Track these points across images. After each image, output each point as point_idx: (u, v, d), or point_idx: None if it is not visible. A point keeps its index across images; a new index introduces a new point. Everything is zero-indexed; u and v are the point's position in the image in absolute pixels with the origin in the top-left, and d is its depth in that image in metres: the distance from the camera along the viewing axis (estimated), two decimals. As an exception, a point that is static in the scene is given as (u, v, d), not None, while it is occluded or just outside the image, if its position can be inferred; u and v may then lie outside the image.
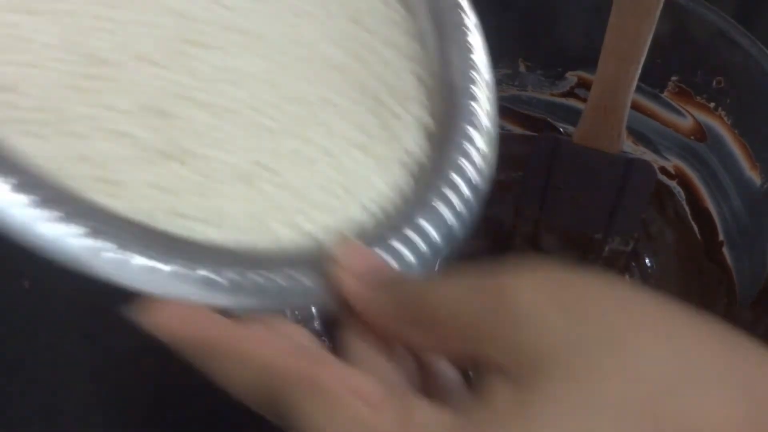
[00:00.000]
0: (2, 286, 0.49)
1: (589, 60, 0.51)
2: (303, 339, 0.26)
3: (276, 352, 0.25)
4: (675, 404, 0.20)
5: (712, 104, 0.51)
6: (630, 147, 0.53)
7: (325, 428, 0.23)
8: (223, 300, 0.27)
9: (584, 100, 0.54)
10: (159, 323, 0.28)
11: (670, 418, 0.19)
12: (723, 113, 0.51)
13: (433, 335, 0.24)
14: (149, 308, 0.28)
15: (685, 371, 0.20)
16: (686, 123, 0.53)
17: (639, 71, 0.48)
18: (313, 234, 0.29)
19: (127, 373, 0.47)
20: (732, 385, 0.20)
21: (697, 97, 0.52)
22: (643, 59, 0.47)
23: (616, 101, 0.49)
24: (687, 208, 0.51)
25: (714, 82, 0.51)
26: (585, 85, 0.54)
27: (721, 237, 0.50)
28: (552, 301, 0.21)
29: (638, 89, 0.50)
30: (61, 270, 0.50)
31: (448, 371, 0.27)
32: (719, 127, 0.51)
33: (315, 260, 0.27)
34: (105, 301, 0.49)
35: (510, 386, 0.21)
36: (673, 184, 0.52)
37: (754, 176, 0.50)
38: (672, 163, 0.53)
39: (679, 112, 0.53)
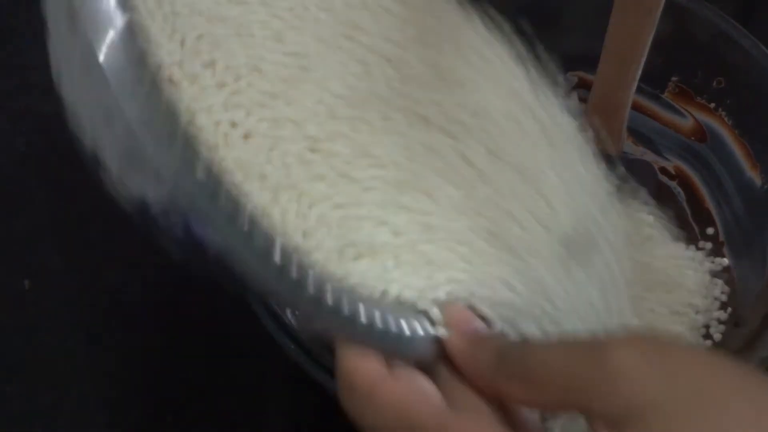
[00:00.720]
0: (2, 286, 0.49)
1: (589, 60, 0.51)
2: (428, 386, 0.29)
3: (415, 399, 0.27)
4: None
5: (712, 104, 0.51)
6: (630, 147, 0.53)
7: None
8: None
9: (584, 100, 0.54)
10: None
11: None
12: (723, 113, 0.51)
13: (533, 389, 0.27)
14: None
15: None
16: (687, 123, 0.53)
17: (639, 71, 0.48)
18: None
19: (127, 373, 0.47)
20: None
21: (698, 98, 0.52)
22: (643, 60, 0.47)
23: (617, 101, 0.49)
24: (687, 209, 0.51)
25: (714, 83, 0.51)
26: (585, 85, 0.54)
27: (721, 237, 0.50)
28: (649, 363, 0.25)
29: (638, 89, 0.50)
30: (61, 270, 0.50)
31: (529, 414, 0.29)
32: (719, 127, 0.51)
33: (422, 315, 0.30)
34: (105, 302, 0.50)
35: None
36: (673, 184, 0.52)
37: (754, 176, 0.50)
38: (672, 163, 0.53)
39: (679, 113, 0.53)
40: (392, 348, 0.28)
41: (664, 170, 0.53)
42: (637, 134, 0.53)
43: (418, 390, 0.28)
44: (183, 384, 0.47)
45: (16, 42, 0.59)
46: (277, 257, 0.25)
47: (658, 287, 0.47)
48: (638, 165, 0.52)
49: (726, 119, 0.51)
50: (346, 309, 0.27)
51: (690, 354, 0.26)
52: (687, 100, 0.53)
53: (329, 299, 0.27)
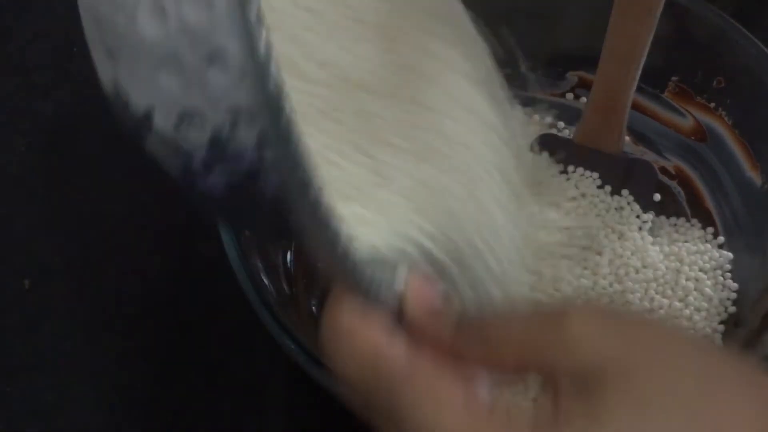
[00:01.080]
0: (2, 286, 0.49)
1: (589, 60, 0.51)
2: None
3: (386, 351, 0.28)
4: (708, 403, 0.25)
5: (712, 104, 0.51)
6: (630, 147, 0.53)
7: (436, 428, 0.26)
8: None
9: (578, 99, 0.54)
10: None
11: (705, 414, 0.25)
12: (723, 113, 0.51)
13: (491, 351, 0.28)
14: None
15: (712, 381, 0.25)
16: (687, 123, 0.53)
17: (639, 71, 0.48)
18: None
19: (127, 373, 0.47)
20: (750, 398, 0.25)
21: (698, 98, 0.52)
22: (643, 59, 0.47)
23: (617, 101, 0.49)
24: (687, 209, 0.51)
25: (714, 83, 0.51)
26: (586, 85, 0.54)
27: (720, 237, 0.50)
28: (605, 326, 0.26)
29: (639, 89, 0.50)
30: (61, 270, 0.50)
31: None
32: (720, 127, 0.51)
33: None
34: (105, 302, 0.50)
35: (575, 394, 0.26)
36: (673, 184, 0.52)
37: (754, 176, 0.50)
38: (672, 163, 0.53)
39: (679, 113, 0.53)
40: (374, 294, 0.28)
41: (664, 170, 0.53)
42: (637, 134, 0.53)
43: (390, 342, 0.28)
44: (183, 384, 0.47)
45: (16, 42, 0.59)
46: (313, 194, 0.25)
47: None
48: (638, 165, 0.52)
49: (726, 119, 0.51)
50: (341, 248, 0.27)
51: (640, 320, 0.28)
52: (687, 99, 0.53)
53: (343, 239, 0.26)
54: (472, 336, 0.29)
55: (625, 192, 0.50)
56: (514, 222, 0.35)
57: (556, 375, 0.26)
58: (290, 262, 0.48)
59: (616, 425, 0.25)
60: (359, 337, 0.28)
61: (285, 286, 0.47)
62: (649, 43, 0.46)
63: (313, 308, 0.47)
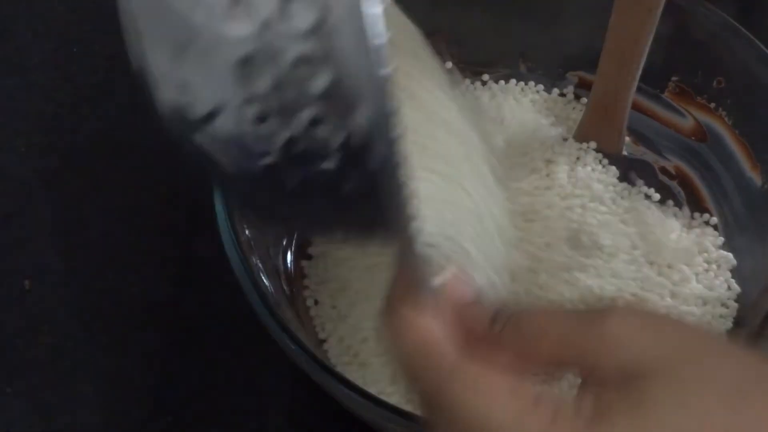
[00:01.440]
0: (2, 286, 0.49)
1: (589, 60, 0.51)
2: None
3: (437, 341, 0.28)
4: (748, 401, 0.25)
5: (712, 104, 0.51)
6: (631, 147, 0.53)
7: (486, 420, 0.27)
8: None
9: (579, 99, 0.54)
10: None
11: (745, 412, 0.25)
12: (723, 113, 0.51)
13: (527, 346, 0.28)
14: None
15: (750, 381, 0.26)
16: (687, 123, 0.53)
17: (640, 71, 0.48)
18: None
19: (126, 373, 0.47)
20: None
21: (698, 98, 0.52)
22: (643, 60, 0.47)
23: (617, 101, 0.49)
24: (688, 209, 0.51)
25: (714, 83, 0.51)
26: (585, 85, 0.54)
27: (721, 237, 0.50)
28: (644, 326, 0.27)
29: (639, 90, 0.50)
30: (61, 270, 0.50)
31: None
32: (720, 127, 0.51)
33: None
34: (105, 302, 0.50)
35: (618, 389, 0.26)
36: (673, 184, 0.52)
37: (754, 176, 0.50)
38: (672, 163, 0.53)
39: (679, 113, 0.53)
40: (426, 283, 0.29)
41: (664, 170, 0.53)
42: (637, 134, 0.53)
43: (443, 332, 0.29)
44: (183, 384, 0.47)
45: (16, 42, 0.59)
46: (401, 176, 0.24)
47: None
48: (638, 165, 0.52)
49: (726, 119, 0.51)
50: (411, 234, 0.27)
51: (677, 321, 0.29)
52: (687, 100, 0.53)
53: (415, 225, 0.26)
54: (508, 330, 0.29)
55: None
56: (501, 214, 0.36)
57: (596, 372, 0.27)
58: (290, 262, 0.48)
59: (660, 418, 0.25)
60: (416, 325, 0.28)
61: (285, 286, 0.47)
62: (649, 43, 0.46)
63: (310, 308, 0.47)
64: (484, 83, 0.54)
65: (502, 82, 0.54)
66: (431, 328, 0.28)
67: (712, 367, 0.26)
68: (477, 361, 0.28)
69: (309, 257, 0.48)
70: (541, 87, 0.54)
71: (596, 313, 0.28)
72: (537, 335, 0.28)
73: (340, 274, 0.47)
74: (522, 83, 0.54)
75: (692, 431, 0.25)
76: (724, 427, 0.25)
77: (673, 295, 0.47)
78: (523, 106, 0.53)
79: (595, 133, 0.51)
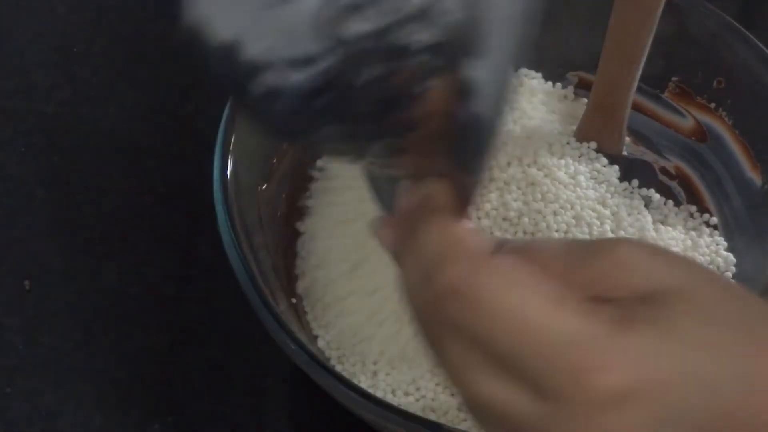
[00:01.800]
0: (2, 286, 0.49)
1: (589, 60, 0.51)
2: None
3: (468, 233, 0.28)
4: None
5: (712, 105, 0.51)
6: (631, 147, 0.53)
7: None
8: None
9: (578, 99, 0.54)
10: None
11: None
12: (723, 114, 0.51)
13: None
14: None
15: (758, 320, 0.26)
16: (687, 123, 0.53)
17: (639, 71, 0.48)
18: None
19: (127, 373, 0.47)
20: None
21: (698, 98, 0.52)
22: (643, 60, 0.47)
23: (617, 101, 0.49)
24: (688, 209, 0.51)
25: (714, 83, 0.51)
26: (586, 85, 0.54)
27: (721, 237, 0.50)
28: (652, 256, 0.27)
29: (639, 90, 0.50)
30: (61, 270, 0.50)
31: None
32: (720, 127, 0.51)
33: None
34: (105, 302, 0.50)
35: (641, 303, 0.26)
36: (673, 184, 0.52)
37: (754, 176, 0.50)
38: (673, 163, 0.53)
39: (679, 113, 0.53)
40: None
41: (664, 170, 0.53)
42: (637, 134, 0.53)
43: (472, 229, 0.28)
44: (183, 384, 0.47)
45: (16, 42, 0.59)
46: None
47: None
48: (638, 165, 0.52)
49: (726, 119, 0.51)
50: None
51: (687, 259, 0.30)
52: (687, 100, 0.53)
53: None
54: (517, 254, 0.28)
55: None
56: None
57: (611, 294, 0.26)
58: (290, 261, 0.48)
59: (687, 331, 0.25)
60: (455, 224, 0.28)
61: (285, 286, 0.47)
62: (649, 43, 0.46)
63: (307, 310, 0.47)
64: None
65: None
66: (471, 228, 0.28)
67: (729, 294, 0.27)
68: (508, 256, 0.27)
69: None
70: (541, 86, 0.54)
71: (605, 242, 0.28)
72: (548, 263, 0.27)
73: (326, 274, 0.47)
74: (522, 82, 0.54)
75: (720, 346, 0.25)
76: (745, 349, 0.25)
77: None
78: (522, 104, 0.53)
79: (595, 133, 0.51)
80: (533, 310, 0.25)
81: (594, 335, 0.25)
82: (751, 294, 0.28)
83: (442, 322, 0.26)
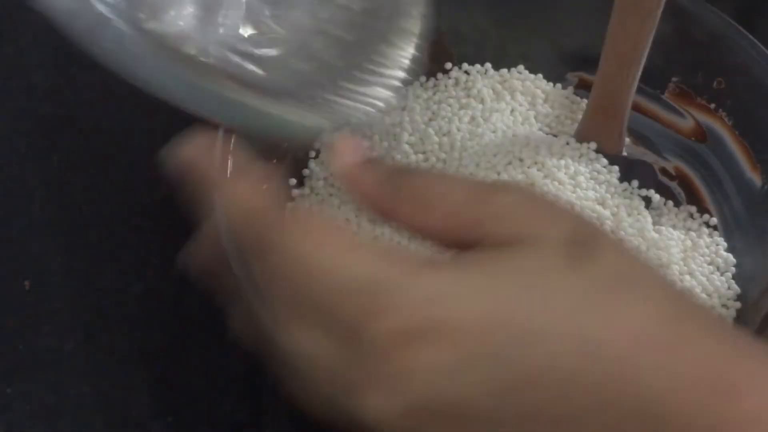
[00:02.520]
0: (2, 286, 0.49)
1: (589, 61, 0.51)
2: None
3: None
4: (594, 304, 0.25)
5: (712, 105, 0.51)
6: (631, 148, 0.53)
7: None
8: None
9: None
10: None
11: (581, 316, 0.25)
12: (724, 114, 0.51)
13: (421, 210, 0.28)
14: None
15: (622, 280, 0.26)
16: (687, 124, 0.53)
17: (640, 72, 0.48)
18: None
19: (127, 373, 0.47)
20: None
21: (698, 98, 0.52)
22: (644, 60, 0.47)
23: (617, 102, 0.49)
24: (687, 209, 0.51)
25: (715, 83, 0.51)
26: (586, 85, 0.54)
27: (721, 238, 0.50)
28: (533, 206, 0.27)
29: (639, 90, 0.50)
30: (61, 270, 0.50)
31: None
32: (720, 128, 0.51)
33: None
34: (105, 302, 0.50)
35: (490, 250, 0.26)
36: (673, 185, 0.52)
37: (754, 177, 0.50)
38: (672, 164, 0.53)
39: (679, 113, 0.53)
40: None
41: (664, 171, 0.53)
42: (637, 135, 0.54)
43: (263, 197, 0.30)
44: (183, 384, 0.47)
45: (16, 42, 0.59)
46: None
47: None
48: (638, 165, 0.52)
49: (726, 120, 0.51)
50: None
51: (576, 214, 0.28)
52: (687, 100, 0.53)
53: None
54: (405, 192, 0.28)
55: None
56: None
57: (483, 242, 0.26)
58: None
59: (518, 276, 0.25)
60: (240, 187, 0.29)
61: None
62: (649, 44, 0.46)
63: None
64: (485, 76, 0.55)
65: (502, 78, 0.54)
66: (251, 189, 0.29)
67: (587, 256, 0.25)
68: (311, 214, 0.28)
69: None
70: (541, 86, 0.54)
71: (496, 185, 0.28)
72: (433, 201, 0.27)
73: None
74: (522, 81, 0.54)
75: (567, 301, 0.24)
76: (599, 312, 0.24)
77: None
78: (522, 105, 0.53)
79: (595, 133, 0.51)
80: (326, 257, 0.26)
81: (387, 279, 0.25)
82: (632, 257, 0.27)
83: (261, 275, 0.28)
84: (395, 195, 0.28)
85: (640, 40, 0.46)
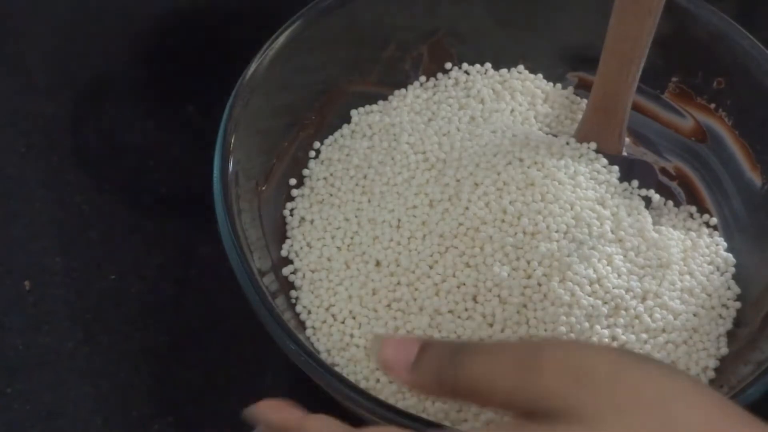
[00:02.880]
0: (2, 287, 0.49)
1: (589, 61, 0.51)
2: None
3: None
4: None
5: (712, 105, 0.51)
6: (631, 148, 0.53)
7: None
8: None
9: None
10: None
11: None
12: (723, 114, 0.51)
13: (478, 402, 0.32)
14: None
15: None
16: (687, 124, 0.53)
17: (640, 72, 0.48)
18: None
19: (126, 373, 0.47)
20: None
21: (698, 98, 0.52)
22: (643, 60, 0.47)
23: (617, 102, 0.49)
24: (687, 209, 0.51)
25: (714, 83, 0.51)
26: (586, 85, 0.54)
27: (721, 238, 0.50)
28: (573, 381, 0.30)
29: (639, 90, 0.50)
30: (61, 270, 0.50)
31: None
32: (720, 127, 0.51)
33: None
34: (105, 302, 0.50)
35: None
36: (673, 184, 0.52)
37: (754, 177, 0.50)
38: (673, 164, 0.53)
39: (679, 113, 0.53)
40: None
41: (664, 171, 0.53)
42: (637, 134, 0.54)
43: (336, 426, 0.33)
44: (183, 384, 0.47)
45: (17, 43, 0.59)
46: None
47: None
48: (638, 165, 0.52)
49: (726, 120, 0.51)
50: None
51: (607, 367, 0.30)
52: (687, 100, 0.53)
53: None
54: (453, 389, 0.32)
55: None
56: None
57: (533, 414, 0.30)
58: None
59: None
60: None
61: (284, 286, 0.47)
62: (649, 44, 0.46)
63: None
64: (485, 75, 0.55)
65: (502, 78, 0.54)
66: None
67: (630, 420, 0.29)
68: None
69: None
70: (541, 86, 0.54)
71: (534, 359, 0.30)
72: (485, 392, 0.31)
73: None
74: (522, 81, 0.54)
75: None
76: None
77: (673, 296, 0.46)
78: (522, 105, 0.53)
79: (595, 133, 0.51)
80: None
81: None
82: (676, 407, 0.29)
83: None
84: (447, 392, 0.32)
85: (639, 40, 0.46)
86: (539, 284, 0.44)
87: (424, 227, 0.46)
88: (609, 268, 0.45)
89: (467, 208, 0.46)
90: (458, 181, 0.47)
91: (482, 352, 0.32)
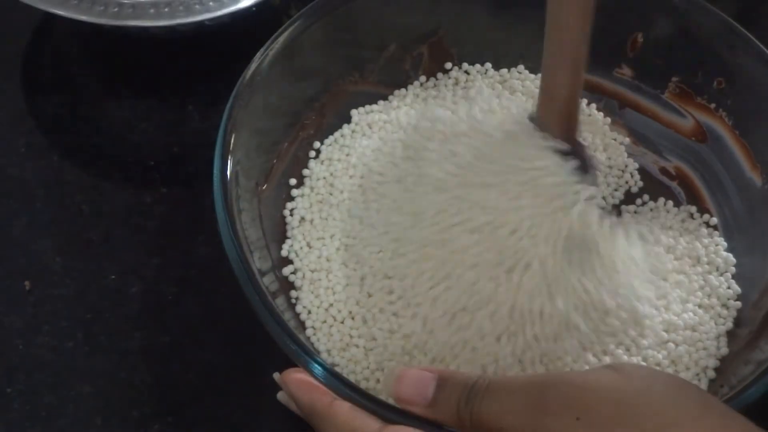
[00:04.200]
0: (2, 287, 0.49)
1: (588, 60, 0.51)
2: None
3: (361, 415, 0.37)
4: None
5: (712, 105, 0.51)
6: (631, 147, 0.53)
7: None
8: None
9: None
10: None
11: None
12: (724, 114, 0.51)
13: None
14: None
15: None
16: (687, 124, 0.53)
17: (582, 56, 0.44)
18: None
19: (126, 373, 0.47)
20: None
21: (698, 98, 0.52)
22: (583, 45, 0.44)
23: (558, 84, 0.47)
24: (687, 209, 0.51)
25: (715, 83, 0.51)
26: (585, 85, 0.54)
27: (721, 238, 0.50)
28: (574, 420, 0.33)
29: (639, 90, 0.50)
30: (61, 270, 0.50)
31: None
32: (720, 127, 0.51)
33: None
34: (105, 302, 0.50)
35: None
36: (673, 184, 0.52)
37: (754, 177, 0.50)
38: (673, 163, 0.53)
39: (679, 113, 0.53)
40: None
41: (664, 170, 0.53)
42: (638, 134, 0.54)
43: (361, 412, 0.37)
44: (183, 384, 0.47)
45: (17, 42, 0.59)
46: None
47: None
48: (638, 165, 0.52)
49: (726, 120, 0.51)
50: None
51: (622, 411, 0.33)
52: (687, 100, 0.53)
53: None
54: (473, 426, 0.35)
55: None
56: None
57: None
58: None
59: None
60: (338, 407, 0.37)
61: (284, 286, 0.47)
62: (585, 29, 0.43)
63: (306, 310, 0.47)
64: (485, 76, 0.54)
65: (502, 78, 0.54)
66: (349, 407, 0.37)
67: None
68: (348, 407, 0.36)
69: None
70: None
71: (539, 399, 0.33)
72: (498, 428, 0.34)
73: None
74: (522, 81, 0.54)
75: None
76: None
77: (673, 297, 0.47)
78: (523, 105, 0.53)
79: (545, 119, 0.48)
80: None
81: None
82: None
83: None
84: (465, 427, 0.35)
85: (573, 23, 0.44)
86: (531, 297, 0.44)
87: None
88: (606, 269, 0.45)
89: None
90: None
91: (495, 391, 0.35)
